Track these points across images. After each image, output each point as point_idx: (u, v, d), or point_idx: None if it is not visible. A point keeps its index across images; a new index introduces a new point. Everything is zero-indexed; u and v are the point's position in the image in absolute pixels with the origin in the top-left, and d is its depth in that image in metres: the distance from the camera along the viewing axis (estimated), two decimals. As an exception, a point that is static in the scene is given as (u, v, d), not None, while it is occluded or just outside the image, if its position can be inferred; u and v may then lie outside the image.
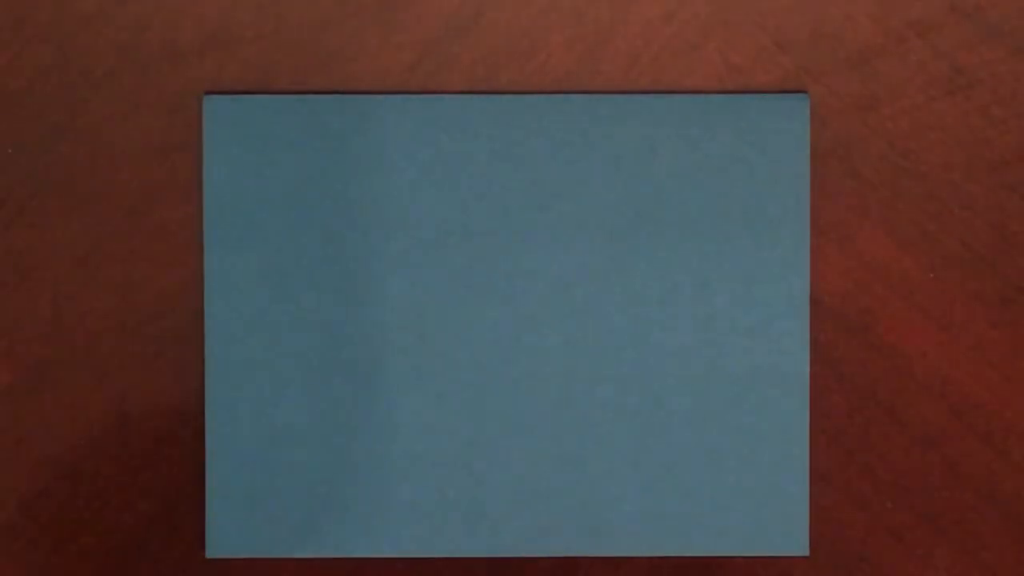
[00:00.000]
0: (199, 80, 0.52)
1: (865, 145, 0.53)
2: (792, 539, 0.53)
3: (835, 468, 0.54)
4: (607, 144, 0.52)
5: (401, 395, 0.53)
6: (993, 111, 0.53)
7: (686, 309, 0.53)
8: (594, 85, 0.52)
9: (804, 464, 0.53)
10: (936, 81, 0.53)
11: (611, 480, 0.53)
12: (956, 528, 0.54)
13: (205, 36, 0.52)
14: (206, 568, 0.53)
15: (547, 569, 0.53)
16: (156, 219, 0.53)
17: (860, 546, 0.54)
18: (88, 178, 0.53)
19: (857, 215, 0.53)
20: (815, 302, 0.53)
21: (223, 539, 0.53)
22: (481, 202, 0.53)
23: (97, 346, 0.53)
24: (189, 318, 0.53)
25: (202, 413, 0.53)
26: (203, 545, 0.53)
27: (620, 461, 0.53)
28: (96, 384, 0.53)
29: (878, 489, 0.54)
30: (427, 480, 0.53)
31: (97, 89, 0.52)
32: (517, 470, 0.53)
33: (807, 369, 0.53)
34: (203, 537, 0.53)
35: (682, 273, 0.53)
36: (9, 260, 0.53)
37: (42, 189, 0.53)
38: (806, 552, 0.54)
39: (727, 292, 0.53)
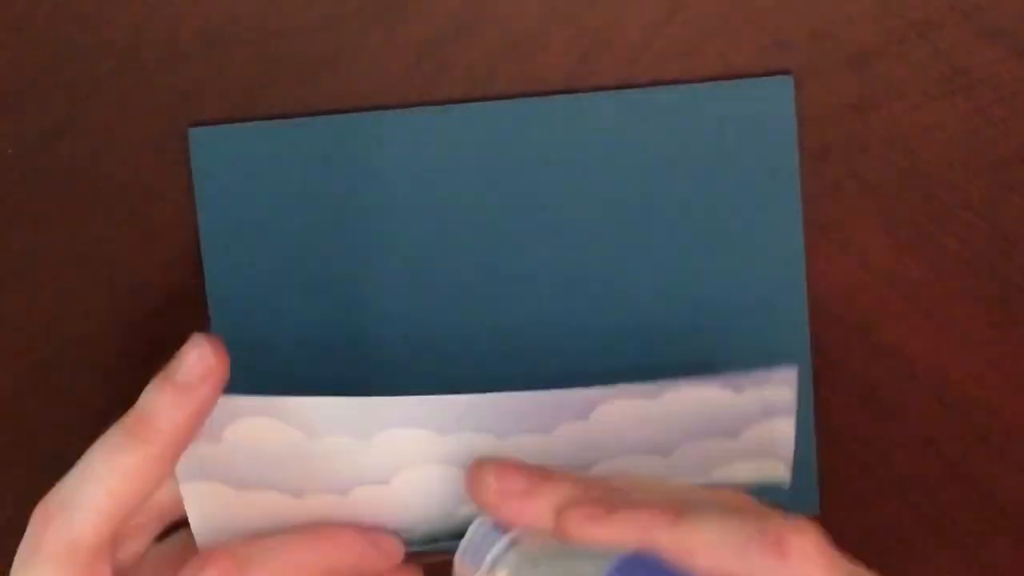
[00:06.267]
0: (199, 80, 0.52)
1: (865, 145, 0.53)
2: None
3: (835, 468, 0.54)
4: (595, 142, 0.52)
5: (402, 391, 0.53)
6: (993, 111, 0.53)
7: (684, 307, 0.53)
8: (594, 85, 0.52)
9: (813, 466, 0.53)
10: (936, 81, 0.53)
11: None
12: (956, 528, 0.54)
13: (205, 36, 0.52)
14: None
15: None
16: (156, 219, 0.53)
17: (860, 546, 0.54)
18: (88, 178, 0.53)
19: (857, 215, 0.53)
20: (815, 302, 0.53)
21: None
22: (472, 208, 0.53)
23: (97, 346, 0.53)
24: (189, 317, 0.53)
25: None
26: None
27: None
28: (96, 384, 0.53)
29: (878, 489, 0.54)
30: None
31: (97, 89, 0.52)
32: None
33: (808, 369, 0.53)
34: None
35: (680, 270, 0.53)
36: (9, 260, 0.53)
37: (42, 189, 0.53)
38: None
39: (726, 289, 0.53)
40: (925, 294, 0.53)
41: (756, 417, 0.48)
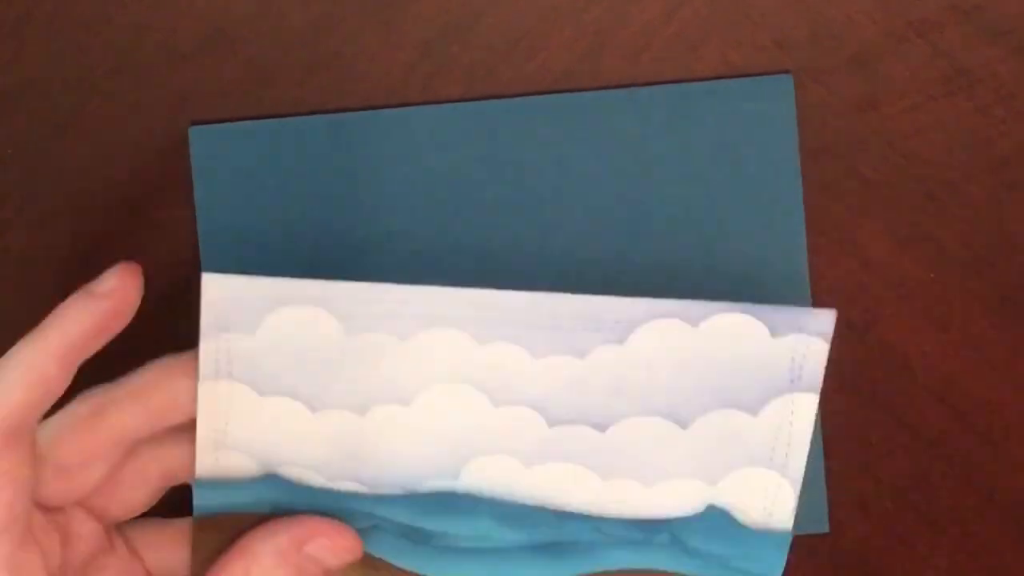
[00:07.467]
0: (199, 80, 0.52)
1: (865, 145, 0.53)
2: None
3: (835, 468, 0.54)
4: (596, 141, 0.52)
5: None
6: (993, 111, 0.53)
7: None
8: (594, 85, 0.53)
9: (820, 472, 0.53)
10: (936, 81, 0.53)
11: None
12: (956, 528, 0.54)
13: (205, 36, 0.52)
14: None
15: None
16: (156, 219, 0.53)
17: (861, 546, 0.54)
18: (88, 178, 0.53)
19: (857, 215, 0.53)
20: (815, 302, 0.53)
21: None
22: (473, 207, 0.53)
23: (97, 346, 0.53)
24: (189, 318, 0.53)
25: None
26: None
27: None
28: (96, 384, 0.53)
29: (878, 489, 0.54)
30: None
31: (97, 89, 0.53)
32: None
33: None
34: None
35: (680, 270, 0.53)
36: (9, 260, 0.53)
37: (42, 189, 0.53)
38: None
39: (727, 289, 0.53)
40: (925, 294, 0.53)
41: (782, 385, 0.48)
